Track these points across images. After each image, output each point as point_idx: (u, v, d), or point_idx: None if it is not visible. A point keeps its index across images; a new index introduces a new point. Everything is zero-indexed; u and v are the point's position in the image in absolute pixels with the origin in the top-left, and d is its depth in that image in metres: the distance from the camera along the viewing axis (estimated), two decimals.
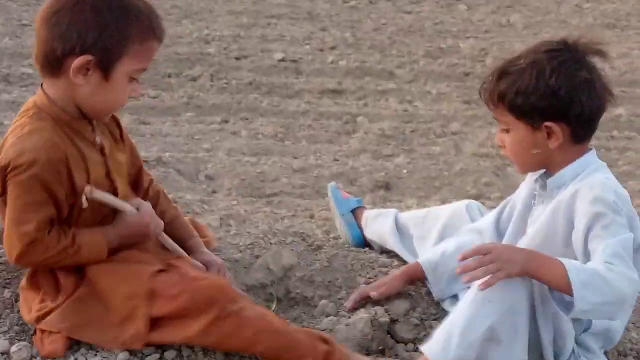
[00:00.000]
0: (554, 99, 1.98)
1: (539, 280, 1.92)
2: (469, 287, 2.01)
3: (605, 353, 2.22)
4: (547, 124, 2.01)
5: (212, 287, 2.04)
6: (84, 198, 2.02)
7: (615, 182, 2.06)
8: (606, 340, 2.17)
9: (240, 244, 2.63)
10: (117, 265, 2.10)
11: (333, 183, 3.01)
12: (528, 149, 2.07)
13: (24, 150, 1.98)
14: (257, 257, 2.55)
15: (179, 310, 2.03)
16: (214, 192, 3.59)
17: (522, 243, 2.15)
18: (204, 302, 2.01)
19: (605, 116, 4.58)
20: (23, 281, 2.18)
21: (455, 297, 2.33)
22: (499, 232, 2.32)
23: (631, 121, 4.68)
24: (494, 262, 1.89)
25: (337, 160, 3.95)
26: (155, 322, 2.05)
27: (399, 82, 5.16)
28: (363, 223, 2.76)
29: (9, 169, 1.98)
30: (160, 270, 2.09)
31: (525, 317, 1.95)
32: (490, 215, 2.38)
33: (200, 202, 3.34)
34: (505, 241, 2.26)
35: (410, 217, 2.67)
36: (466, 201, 2.58)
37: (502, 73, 2.05)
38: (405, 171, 3.82)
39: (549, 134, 2.02)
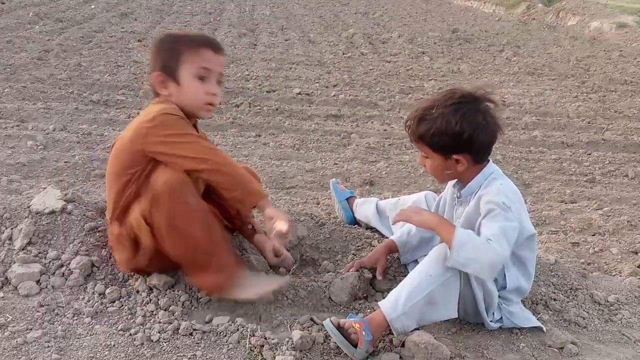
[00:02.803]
0: (459, 140, 1.96)
1: (437, 234, 1.93)
2: (425, 255, 2.02)
3: (523, 302, 2.23)
4: (455, 156, 2.00)
5: None
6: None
7: (508, 186, 2.01)
8: (519, 293, 2.17)
9: None
10: None
11: (334, 179, 3.01)
12: (443, 171, 2.05)
13: (166, 108, 1.99)
14: None
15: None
16: None
17: None
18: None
19: (525, 136, 4.75)
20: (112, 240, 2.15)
21: (416, 262, 2.33)
22: None
23: (544, 140, 4.66)
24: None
25: (336, 164, 3.94)
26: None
27: (381, 110, 5.15)
28: (354, 208, 2.77)
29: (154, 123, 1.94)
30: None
31: (456, 287, 1.93)
32: (432, 208, 2.37)
33: None
34: None
35: (387, 203, 2.67)
36: (425, 192, 2.57)
37: (421, 119, 2.00)
38: (384, 173, 3.81)
39: (457, 161, 2.01)
